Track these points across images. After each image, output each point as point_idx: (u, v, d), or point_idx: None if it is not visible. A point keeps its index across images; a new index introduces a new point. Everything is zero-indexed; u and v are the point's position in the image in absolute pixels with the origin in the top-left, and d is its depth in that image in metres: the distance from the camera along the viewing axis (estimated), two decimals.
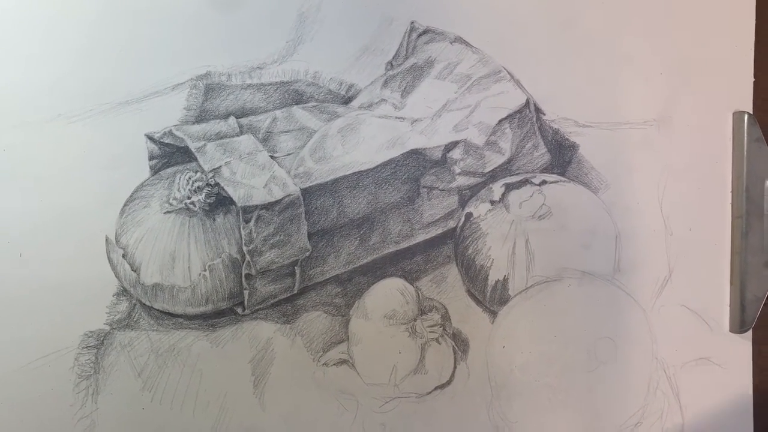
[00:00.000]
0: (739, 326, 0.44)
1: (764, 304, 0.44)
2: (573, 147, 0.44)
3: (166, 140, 0.42)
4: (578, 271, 0.43)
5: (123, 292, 0.41)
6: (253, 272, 0.41)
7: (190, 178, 0.42)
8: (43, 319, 0.41)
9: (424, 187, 0.43)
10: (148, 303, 0.41)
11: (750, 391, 0.44)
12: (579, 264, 0.43)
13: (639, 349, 0.43)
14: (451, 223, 0.44)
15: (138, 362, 0.41)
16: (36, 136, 0.41)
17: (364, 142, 0.43)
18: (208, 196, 0.41)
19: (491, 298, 0.43)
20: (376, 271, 0.43)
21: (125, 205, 0.42)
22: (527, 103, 0.44)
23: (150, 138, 0.42)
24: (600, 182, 0.44)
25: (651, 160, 0.44)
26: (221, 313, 0.42)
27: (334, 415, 0.41)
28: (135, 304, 0.42)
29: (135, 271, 0.41)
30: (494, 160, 0.43)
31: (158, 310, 0.41)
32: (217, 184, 0.41)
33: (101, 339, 0.41)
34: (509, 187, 0.43)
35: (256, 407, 0.41)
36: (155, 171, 0.42)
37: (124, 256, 0.41)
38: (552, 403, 0.42)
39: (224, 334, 0.42)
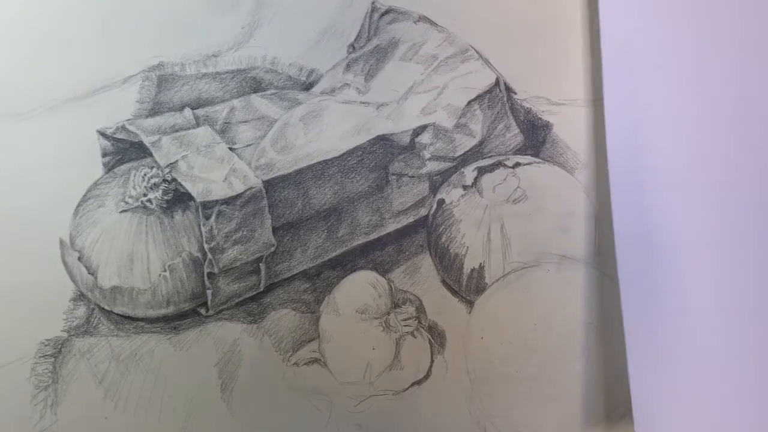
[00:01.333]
0: None
1: None
2: (546, 126, 0.43)
3: (119, 136, 0.41)
4: (557, 256, 0.42)
5: (80, 296, 0.40)
6: (216, 271, 0.40)
7: (145, 174, 0.40)
8: None
9: (392, 174, 0.42)
10: (107, 307, 0.40)
11: None
12: (557, 248, 0.42)
13: (623, 335, 0.42)
14: (423, 211, 0.43)
15: (99, 369, 0.40)
16: None
17: (327, 130, 0.41)
18: (165, 192, 0.40)
19: (467, 287, 0.42)
20: (346, 264, 0.42)
21: (79, 205, 0.40)
22: (497, 82, 0.43)
23: (102, 134, 0.41)
24: (576, 162, 0.43)
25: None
26: (184, 314, 0.41)
27: (307, 417, 0.40)
28: (93, 309, 0.40)
29: (92, 275, 0.40)
30: (465, 143, 0.42)
31: (118, 314, 0.40)
32: (174, 179, 0.40)
33: (59, 347, 0.40)
34: (482, 171, 0.42)
35: (224, 412, 0.40)
36: (109, 168, 0.41)
37: (80, 258, 0.40)
38: (535, 394, 0.41)
39: (188, 336, 0.41)
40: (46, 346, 0.40)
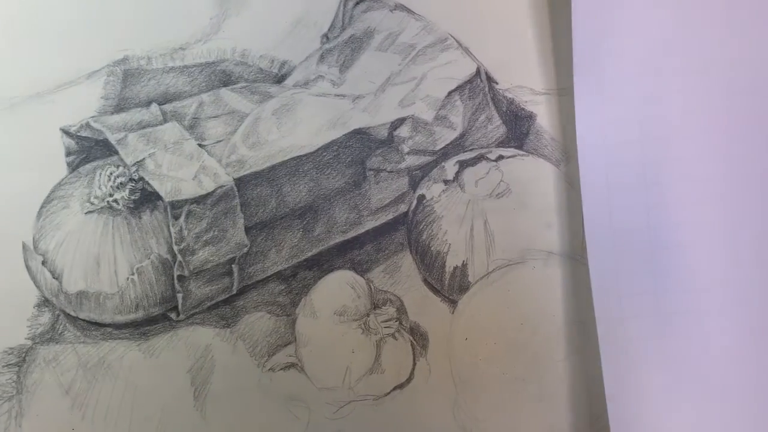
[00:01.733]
0: None
1: None
2: (530, 117, 0.41)
3: (84, 134, 0.39)
4: (543, 252, 0.40)
5: (45, 302, 0.39)
6: (186, 273, 0.38)
7: (111, 173, 0.39)
8: None
9: (370, 169, 0.40)
10: (72, 313, 0.38)
11: None
12: (543, 244, 0.40)
13: None
14: (402, 207, 0.41)
15: (65, 378, 0.38)
16: None
17: (301, 124, 0.40)
18: (132, 192, 0.39)
19: (450, 286, 0.40)
20: (323, 264, 0.40)
21: (42, 207, 0.39)
22: (478, 71, 0.41)
23: (66, 132, 0.39)
24: (562, 154, 0.41)
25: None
26: (154, 319, 0.39)
27: (284, 424, 0.39)
28: (59, 315, 0.39)
29: (57, 279, 0.38)
30: (445, 136, 0.41)
31: (84, 320, 0.39)
32: (142, 178, 0.38)
33: (23, 355, 0.38)
34: (463, 165, 0.41)
35: (197, 420, 0.38)
36: (73, 168, 0.39)
37: (43, 263, 0.38)
38: (522, 396, 0.40)
39: (158, 342, 0.39)
40: (9, 354, 0.38)
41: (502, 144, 0.42)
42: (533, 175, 0.41)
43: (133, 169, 0.39)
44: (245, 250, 0.39)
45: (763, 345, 0.38)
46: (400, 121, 0.40)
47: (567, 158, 0.41)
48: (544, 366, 0.40)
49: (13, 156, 0.39)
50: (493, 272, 0.40)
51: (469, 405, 0.40)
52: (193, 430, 0.38)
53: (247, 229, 0.39)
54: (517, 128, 0.42)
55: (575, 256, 0.41)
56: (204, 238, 0.39)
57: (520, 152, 0.41)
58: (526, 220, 0.41)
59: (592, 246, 0.38)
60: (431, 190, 0.41)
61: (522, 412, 0.40)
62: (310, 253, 0.40)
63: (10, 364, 0.38)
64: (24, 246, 0.38)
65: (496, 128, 0.42)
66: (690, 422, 0.38)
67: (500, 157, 0.41)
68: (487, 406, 0.40)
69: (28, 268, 0.39)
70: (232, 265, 0.39)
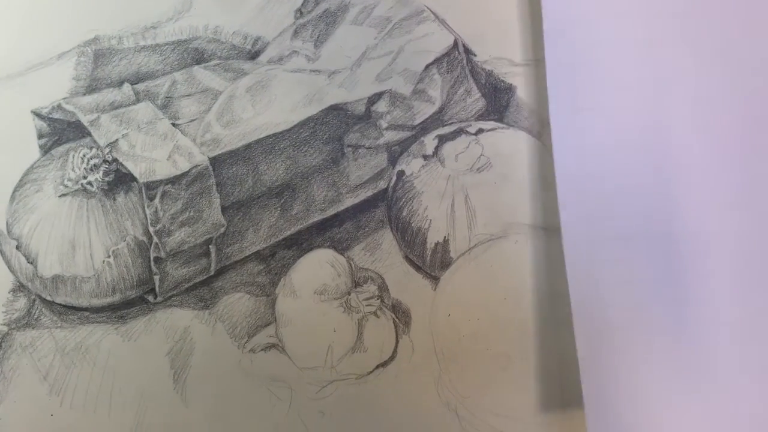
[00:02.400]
0: None
1: None
2: (509, 89, 0.41)
3: (55, 115, 0.39)
4: (525, 225, 0.40)
5: (20, 287, 0.38)
6: (163, 255, 0.38)
7: (84, 155, 0.38)
8: None
9: (348, 146, 0.40)
10: (48, 297, 0.38)
11: None
12: (525, 217, 0.40)
13: None
14: (382, 184, 0.41)
15: (42, 364, 0.38)
16: None
17: (276, 101, 0.39)
18: (105, 173, 0.38)
19: (431, 262, 0.40)
20: (302, 243, 0.40)
21: (15, 190, 0.38)
22: (455, 44, 0.41)
23: (37, 114, 0.39)
24: (542, 126, 0.41)
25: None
26: (131, 302, 0.39)
27: (266, 406, 0.38)
28: (34, 300, 0.38)
29: (32, 263, 0.38)
30: (424, 111, 0.40)
31: (61, 304, 0.38)
32: (115, 159, 0.38)
33: None
34: (443, 139, 0.40)
35: (178, 403, 0.38)
36: (46, 150, 0.39)
37: (18, 247, 0.38)
38: (507, 372, 0.39)
39: (136, 326, 0.39)
40: None
41: (481, 117, 0.41)
42: (514, 147, 0.40)
43: (107, 150, 0.38)
44: (222, 230, 0.39)
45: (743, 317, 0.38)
46: (378, 96, 0.40)
47: (548, 130, 0.41)
48: (528, 341, 0.40)
49: None
50: (475, 247, 0.40)
51: (453, 381, 0.39)
52: (174, 413, 0.38)
53: (224, 209, 0.39)
54: (497, 101, 0.41)
55: (557, 228, 0.40)
56: (180, 219, 0.38)
57: (501, 125, 0.41)
58: (508, 194, 0.40)
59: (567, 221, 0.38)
60: (411, 165, 0.40)
61: (508, 388, 0.40)
62: (288, 232, 0.40)
63: None
64: None
65: (476, 101, 0.41)
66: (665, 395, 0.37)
67: (480, 131, 0.40)
68: (471, 382, 0.39)
69: (1, 252, 0.38)
70: (210, 246, 0.39)
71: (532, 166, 0.40)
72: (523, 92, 0.41)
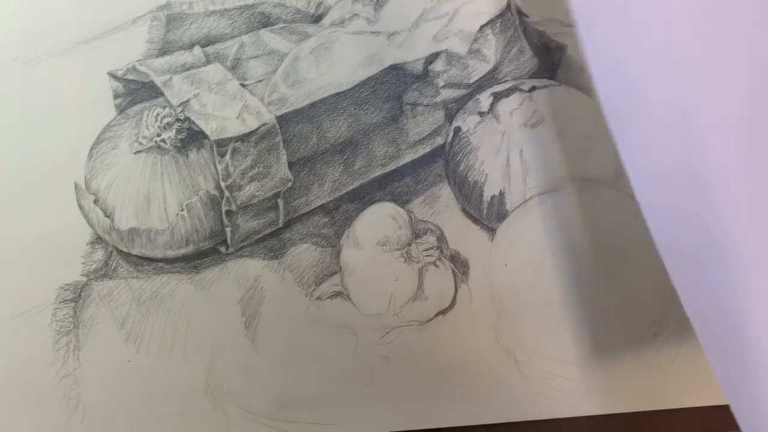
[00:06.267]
0: None
1: None
2: (561, 48, 0.45)
3: (130, 77, 0.43)
4: (578, 179, 0.43)
5: (98, 240, 0.42)
6: (234, 208, 0.42)
7: (158, 114, 0.42)
8: (16, 276, 0.41)
9: (407, 104, 0.44)
10: (125, 249, 0.42)
11: None
12: (578, 171, 0.43)
13: (651, 256, 0.43)
14: (439, 140, 0.44)
15: (119, 312, 0.42)
16: None
17: (339, 62, 0.43)
18: (178, 131, 0.42)
19: (488, 214, 0.43)
20: (364, 197, 0.44)
21: (92, 148, 0.42)
22: (508, 5, 0.44)
23: (113, 76, 0.43)
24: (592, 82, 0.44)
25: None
26: (204, 253, 0.42)
27: (333, 351, 0.42)
28: (111, 252, 0.42)
29: (108, 217, 0.42)
30: (479, 69, 0.44)
31: (136, 255, 0.42)
32: (187, 118, 0.42)
33: (78, 291, 0.42)
34: (497, 97, 0.44)
35: (249, 349, 0.42)
36: (121, 110, 0.43)
37: (95, 201, 0.42)
38: (562, 320, 0.43)
39: (209, 275, 0.42)
40: (65, 290, 0.42)
41: (534, 75, 0.45)
42: (566, 104, 0.44)
43: (179, 109, 0.42)
44: (289, 185, 0.43)
45: None
46: (435, 56, 0.44)
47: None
48: (582, 291, 0.43)
49: (64, 100, 0.42)
50: (529, 200, 0.43)
51: (510, 329, 0.43)
52: (245, 358, 0.42)
53: (290, 165, 0.43)
54: (549, 59, 0.45)
55: (610, 181, 0.44)
56: (249, 174, 0.42)
57: (553, 82, 0.44)
58: (561, 149, 0.44)
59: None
60: (467, 122, 0.44)
61: (561, 336, 0.43)
62: (351, 187, 0.44)
63: (66, 300, 0.42)
64: (76, 186, 0.42)
65: (529, 60, 0.45)
66: None
67: (533, 88, 0.44)
68: (527, 328, 0.43)
69: (80, 207, 0.42)
70: (278, 200, 0.43)
71: (584, 121, 0.44)
72: (573, 51, 0.44)
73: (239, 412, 0.41)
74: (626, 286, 0.43)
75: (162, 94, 0.42)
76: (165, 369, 0.41)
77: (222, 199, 0.42)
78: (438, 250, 0.43)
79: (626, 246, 0.43)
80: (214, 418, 0.41)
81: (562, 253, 0.43)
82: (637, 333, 0.43)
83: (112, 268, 0.42)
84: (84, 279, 0.42)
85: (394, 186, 0.44)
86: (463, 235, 0.43)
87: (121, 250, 0.42)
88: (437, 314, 0.43)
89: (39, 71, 0.42)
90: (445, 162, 0.44)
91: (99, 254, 0.42)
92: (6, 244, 0.41)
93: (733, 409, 0.35)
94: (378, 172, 0.44)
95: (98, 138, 0.42)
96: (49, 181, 0.42)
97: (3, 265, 0.41)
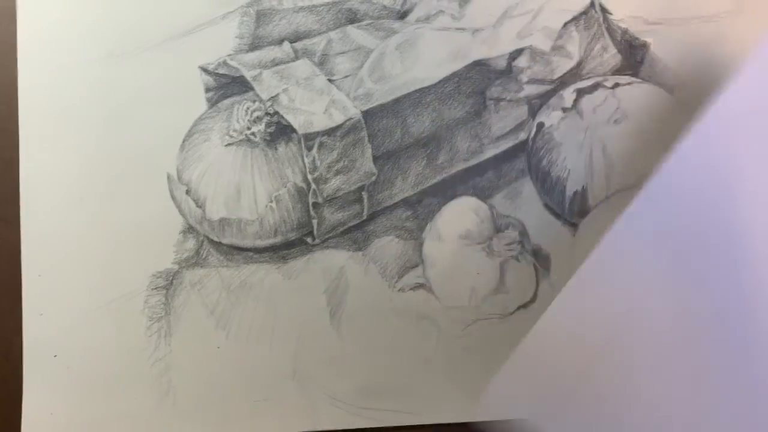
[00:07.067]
0: None
1: None
2: (644, 46, 0.45)
3: (221, 71, 0.44)
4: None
5: (189, 229, 0.44)
6: (320, 200, 0.43)
7: (248, 108, 0.44)
8: (110, 263, 0.43)
9: (490, 99, 0.45)
10: (216, 239, 0.44)
11: None
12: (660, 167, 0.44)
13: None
14: (522, 135, 0.45)
15: (210, 300, 0.43)
16: (89, 76, 0.44)
17: (423, 58, 0.44)
18: (268, 125, 0.43)
19: (570, 210, 0.44)
20: (447, 191, 0.45)
21: (185, 140, 0.44)
22: (592, 3, 0.45)
23: (204, 70, 0.44)
24: (675, 80, 0.45)
25: (728, 54, 0.45)
26: (291, 244, 0.44)
27: (415, 342, 0.43)
28: (203, 241, 0.44)
29: (200, 207, 0.43)
30: (563, 66, 0.45)
31: (227, 245, 0.44)
32: (277, 112, 0.43)
33: (170, 279, 0.43)
34: (581, 93, 0.45)
35: (334, 337, 0.43)
36: (212, 103, 0.44)
37: (187, 192, 0.43)
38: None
39: (296, 265, 0.44)
40: (157, 278, 0.43)
41: (617, 72, 0.45)
42: (649, 101, 0.44)
43: (269, 103, 0.43)
44: (373, 178, 0.44)
45: None
46: (519, 52, 0.44)
47: (681, 84, 0.45)
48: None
49: (158, 93, 0.44)
50: (612, 196, 0.44)
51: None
52: (330, 346, 0.43)
53: (375, 159, 0.44)
54: (632, 57, 0.45)
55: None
56: (335, 168, 0.43)
57: (636, 80, 0.45)
58: (643, 145, 0.44)
59: None
60: (550, 117, 0.45)
61: None
62: (434, 181, 0.45)
63: (158, 287, 0.43)
64: (169, 177, 0.44)
65: (612, 57, 0.45)
66: None
67: (616, 85, 0.44)
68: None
69: (173, 197, 0.44)
70: (362, 193, 0.44)
71: (666, 118, 0.44)
72: (656, 49, 0.45)
73: (325, 399, 0.43)
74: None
75: (252, 89, 0.44)
76: (253, 355, 0.43)
77: (309, 191, 0.43)
78: (520, 245, 0.44)
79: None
80: (300, 403, 0.43)
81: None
82: None
83: (203, 256, 0.44)
84: (176, 267, 0.44)
85: (476, 180, 0.45)
86: (545, 230, 0.44)
87: (212, 240, 0.44)
88: (518, 308, 0.44)
89: (133, 65, 0.44)
90: (528, 157, 0.45)
91: (191, 243, 0.44)
92: (101, 232, 0.43)
93: None
94: (461, 167, 0.45)
95: (190, 130, 0.44)
96: (143, 172, 0.44)
97: (98, 253, 0.43)
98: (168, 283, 0.43)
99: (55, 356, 0.43)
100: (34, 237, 0.43)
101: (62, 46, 0.44)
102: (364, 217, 0.44)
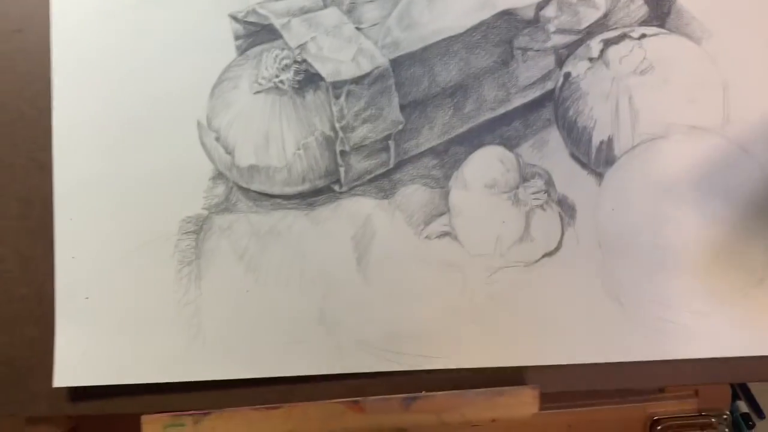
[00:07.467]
0: None
1: None
2: None
3: (250, 19, 0.45)
4: (685, 126, 0.44)
5: (219, 175, 0.44)
6: (347, 148, 0.44)
7: (277, 56, 0.44)
8: (141, 208, 0.44)
9: (517, 48, 0.45)
10: (244, 185, 0.44)
11: None
12: (686, 118, 0.44)
13: (755, 203, 0.44)
14: (549, 85, 0.45)
15: (239, 245, 0.44)
16: (120, 24, 0.44)
17: (452, 6, 0.44)
18: (296, 73, 0.44)
19: (596, 159, 0.44)
20: (473, 140, 0.45)
21: (214, 87, 0.44)
22: None
23: (234, 18, 0.45)
24: (702, 31, 0.45)
25: (756, 3, 0.45)
26: (319, 191, 0.44)
27: (441, 288, 0.44)
28: (232, 187, 0.44)
29: (229, 154, 0.44)
30: (590, 16, 0.45)
31: (255, 191, 0.44)
32: (305, 60, 0.44)
33: (200, 224, 0.44)
34: (607, 43, 0.45)
35: (360, 282, 0.44)
36: (241, 51, 0.45)
37: (217, 139, 0.44)
38: (667, 265, 0.44)
39: (323, 212, 0.44)
40: (188, 223, 0.44)
41: (644, 23, 0.45)
42: (675, 52, 0.45)
43: (297, 51, 0.44)
44: (400, 127, 0.44)
45: None
46: (546, 2, 0.45)
47: (707, 35, 0.45)
48: (687, 236, 0.44)
49: (187, 41, 0.44)
50: (638, 146, 0.44)
51: (615, 272, 0.44)
52: (357, 291, 0.44)
53: (402, 108, 0.44)
54: (659, 8, 0.45)
55: (717, 129, 0.44)
56: (362, 116, 0.44)
57: (663, 30, 0.45)
58: (669, 96, 0.44)
59: None
60: (577, 67, 0.45)
61: (666, 280, 0.44)
62: (460, 130, 0.45)
63: (189, 232, 0.44)
64: (199, 124, 0.44)
65: (639, 8, 0.45)
66: None
67: (643, 36, 0.45)
68: (632, 273, 0.44)
69: (203, 144, 0.44)
70: (389, 141, 0.44)
71: (693, 69, 0.45)
72: (683, 0, 0.45)
73: (351, 342, 0.43)
74: (730, 233, 0.44)
75: (280, 37, 0.44)
76: (281, 299, 0.44)
77: (336, 139, 0.44)
78: (546, 194, 0.44)
79: (730, 193, 0.44)
80: (327, 346, 0.43)
81: (668, 199, 0.44)
82: (743, 278, 0.44)
83: (233, 202, 0.45)
84: (205, 212, 0.44)
85: (503, 130, 0.45)
86: (571, 179, 0.45)
87: (240, 186, 0.44)
88: (543, 256, 0.44)
89: (164, 13, 0.44)
90: (555, 106, 0.45)
91: (220, 189, 0.44)
92: (132, 178, 0.44)
93: None
94: (487, 116, 0.45)
95: (219, 78, 0.44)
96: (172, 119, 0.44)
97: (130, 198, 0.44)
98: (198, 228, 0.44)
99: (87, 298, 0.44)
100: (66, 182, 0.44)
101: None
102: (391, 166, 0.45)
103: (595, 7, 0.45)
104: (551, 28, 0.45)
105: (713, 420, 0.48)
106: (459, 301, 0.44)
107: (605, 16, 0.45)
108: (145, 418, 0.41)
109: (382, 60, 0.44)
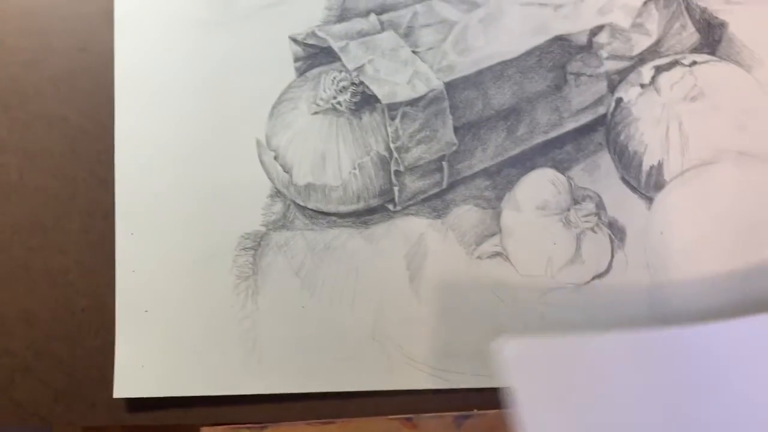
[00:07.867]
0: None
1: None
2: (722, 25, 0.46)
3: (310, 41, 0.46)
4: (735, 152, 0.45)
5: (277, 193, 0.46)
6: (402, 168, 0.45)
7: (335, 78, 0.45)
8: (200, 224, 0.45)
9: (570, 73, 0.46)
10: (301, 203, 0.45)
11: None
12: (735, 145, 0.45)
13: None
14: (601, 110, 0.46)
15: (295, 261, 0.45)
16: (183, 45, 0.46)
17: (506, 31, 0.46)
18: (353, 95, 0.45)
19: (646, 184, 0.45)
20: (525, 162, 0.46)
21: (274, 107, 0.46)
22: None
23: (294, 40, 0.46)
24: (753, 60, 0.46)
25: None
26: (373, 210, 0.46)
27: (491, 308, 0.45)
28: (289, 205, 0.46)
29: (287, 173, 0.45)
30: (642, 43, 0.46)
31: (312, 209, 0.45)
32: (362, 82, 0.45)
33: (258, 240, 0.45)
34: (659, 70, 0.46)
35: (413, 300, 0.45)
36: (301, 72, 0.46)
37: (275, 158, 0.45)
38: (714, 288, 0.45)
39: (377, 230, 0.45)
40: (246, 239, 0.45)
41: (695, 50, 0.46)
42: (726, 79, 0.45)
43: (354, 74, 0.45)
44: (454, 148, 0.45)
45: None
46: (599, 28, 0.46)
47: (758, 63, 0.46)
48: (734, 261, 0.45)
49: (248, 62, 0.46)
50: (687, 171, 0.45)
51: (663, 295, 0.45)
52: (409, 308, 0.45)
53: (456, 129, 0.45)
54: (710, 35, 0.46)
55: (765, 156, 0.45)
56: (417, 137, 0.45)
57: (713, 58, 0.46)
58: (719, 122, 0.45)
59: None
60: (629, 93, 0.46)
61: (714, 304, 0.44)
62: (513, 152, 0.46)
63: (247, 248, 0.45)
64: (258, 142, 0.45)
65: (690, 35, 0.46)
66: None
67: (694, 63, 0.46)
68: (680, 296, 0.45)
69: (261, 162, 0.46)
70: (443, 162, 0.45)
71: (743, 96, 0.45)
72: (735, 28, 0.46)
73: (403, 360, 0.44)
74: None
75: (339, 59, 0.45)
76: (336, 316, 0.45)
77: (391, 159, 0.45)
78: (596, 217, 0.45)
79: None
80: (379, 363, 0.44)
81: (716, 224, 0.45)
82: None
83: (290, 219, 0.46)
84: (263, 229, 0.46)
85: (555, 153, 0.46)
86: (621, 202, 0.45)
87: (297, 204, 0.46)
88: (593, 278, 0.45)
89: (226, 34, 0.46)
90: (607, 131, 0.46)
91: (278, 206, 0.46)
92: (192, 194, 0.45)
93: None
94: (540, 139, 0.46)
95: (279, 98, 0.46)
96: (233, 138, 0.46)
97: (189, 214, 0.45)
98: (256, 244, 0.45)
99: (146, 311, 0.45)
100: (127, 197, 0.45)
101: (158, 16, 0.46)
102: (444, 186, 0.46)
103: (647, 34, 0.46)
104: (604, 54, 0.46)
105: None
106: (509, 321, 0.45)
107: (657, 43, 0.46)
108: (205, 430, 0.43)
109: (437, 83, 0.45)
